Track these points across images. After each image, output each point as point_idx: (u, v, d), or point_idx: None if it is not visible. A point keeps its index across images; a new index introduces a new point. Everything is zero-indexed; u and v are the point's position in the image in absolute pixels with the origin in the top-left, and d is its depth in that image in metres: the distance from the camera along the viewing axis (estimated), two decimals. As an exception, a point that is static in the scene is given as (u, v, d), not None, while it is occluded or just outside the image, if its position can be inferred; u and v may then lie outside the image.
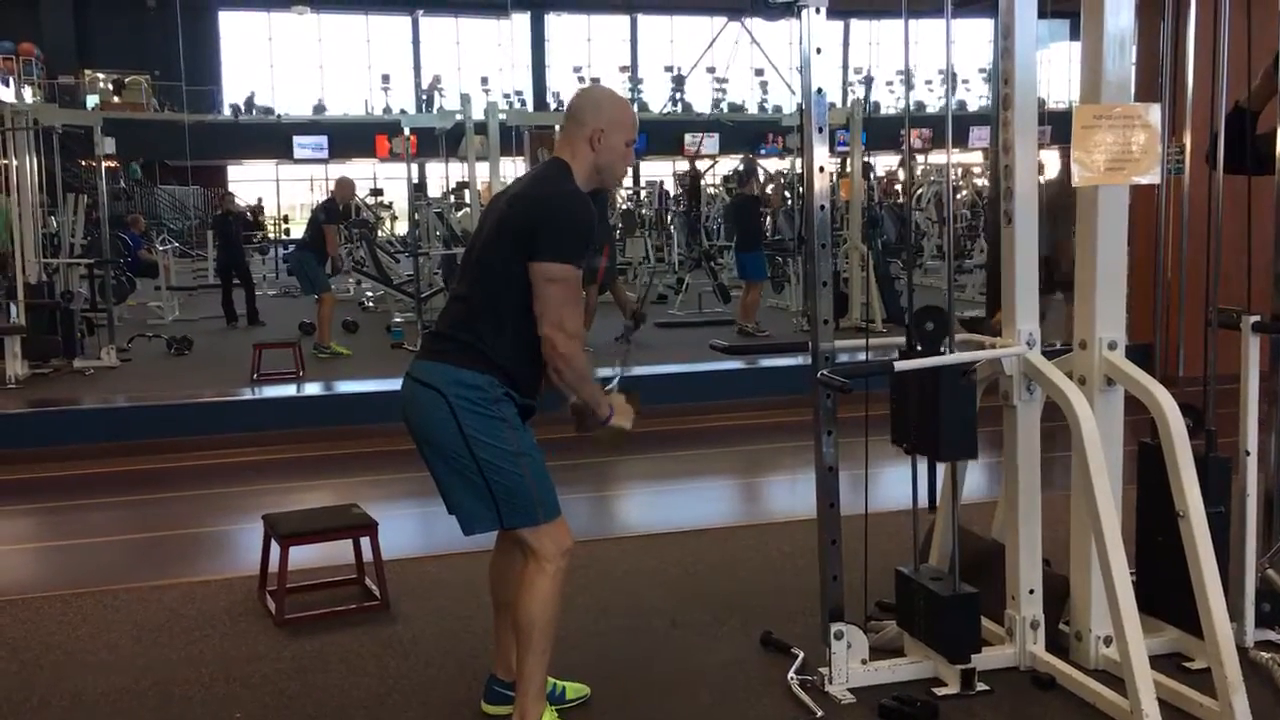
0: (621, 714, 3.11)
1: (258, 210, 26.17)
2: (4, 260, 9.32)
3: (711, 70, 28.95)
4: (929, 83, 28.59)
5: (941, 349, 3.11)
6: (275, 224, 26.95)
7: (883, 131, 21.51)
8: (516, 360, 2.73)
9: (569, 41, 34.81)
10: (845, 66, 32.76)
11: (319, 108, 31.38)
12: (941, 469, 3.28)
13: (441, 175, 15.63)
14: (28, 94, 23.93)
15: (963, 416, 3.07)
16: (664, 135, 26.90)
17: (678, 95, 30.21)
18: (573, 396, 2.84)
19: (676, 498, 6.16)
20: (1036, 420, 3.25)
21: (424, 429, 2.74)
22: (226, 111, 30.55)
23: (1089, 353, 3.18)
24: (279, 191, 30.93)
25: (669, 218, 18.42)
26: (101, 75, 28.53)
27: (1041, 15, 3.14)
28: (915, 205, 15.88)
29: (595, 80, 29.19)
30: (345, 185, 10.61)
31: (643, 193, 19.68)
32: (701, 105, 31.16)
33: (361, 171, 24.71)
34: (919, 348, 3.12)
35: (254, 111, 30.40)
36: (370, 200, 18.54)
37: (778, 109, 29.98)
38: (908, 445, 3.18)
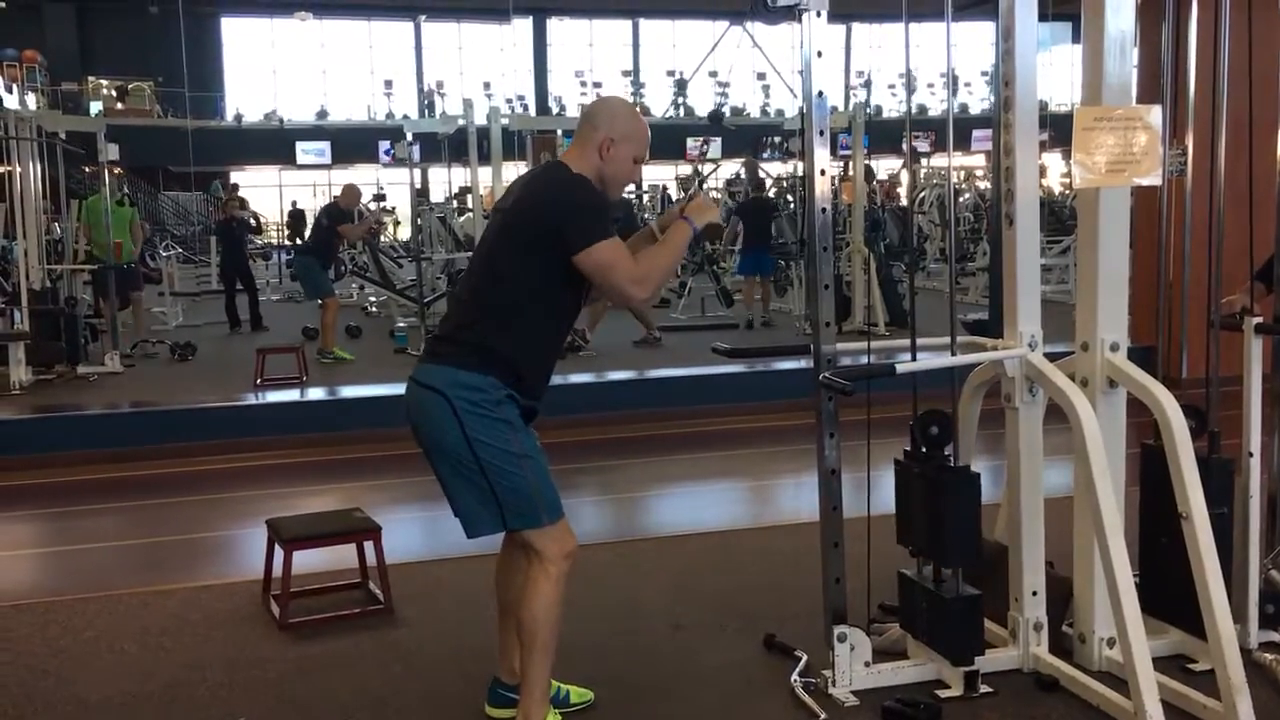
0: (625, 717, 3.11)
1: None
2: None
3: (713, 74, 28.96)
4: (931, 86, 28.60)
5: (946, 453, 3.09)
6: (279, 229, 26.83)
7: (885, 135, 21.50)
8: (522, 360, 2.75)
9: (571, 46, 34.84)
10: (847, 70, 32.75)
11: (321, 113, 31.40)
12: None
13: (444, 180, 15.64)
14: (31, 101, 23.96)
15: (967, 521, 3.07)
16: (666, 139, 26.90)
17: (680, 99, 30.22)
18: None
19: (679, 501, 6.16)
20: (1039, 422, 3.25)
21: (428, 431, 2.75)
22: (229, 117, 30.60)
23: (1091, 354, 3.18)
24: (281, 197, 30.91)
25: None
26: (105, 82, 28.55)
27: (1042, 18, 3.15)
28: (917, 208, 15.88)
29: (598, 85, 29.23)
30: (351, 192, 10.60)
31: (645, 197, 19.65)
32: (703, 109, 31.14)
33: (365, 177, 24.69)
34: (923, 450, 3.11)
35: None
36: (373, 205, 18.55)
37: (780, 112, 29.96)
38: (913, 549, 3.18)
